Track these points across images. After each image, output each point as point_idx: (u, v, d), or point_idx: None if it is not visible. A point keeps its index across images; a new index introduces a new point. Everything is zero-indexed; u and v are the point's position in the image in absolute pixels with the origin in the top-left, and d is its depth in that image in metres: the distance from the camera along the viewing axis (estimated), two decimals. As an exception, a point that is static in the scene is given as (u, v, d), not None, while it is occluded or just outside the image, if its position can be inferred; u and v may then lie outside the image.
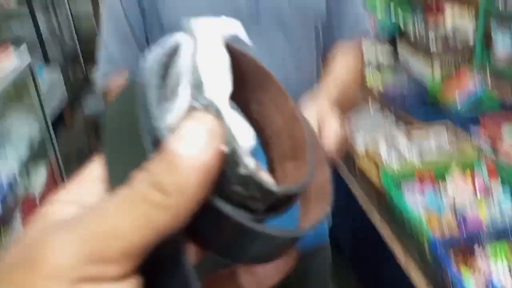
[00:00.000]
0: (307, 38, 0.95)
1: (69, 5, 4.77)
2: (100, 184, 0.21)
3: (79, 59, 4.90)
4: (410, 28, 2.36)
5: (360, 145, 1.76)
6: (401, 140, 1.67)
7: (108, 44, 0.92)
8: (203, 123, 0.19)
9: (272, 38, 0.89)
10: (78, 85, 4.54)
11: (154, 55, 0.22)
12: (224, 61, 0.22)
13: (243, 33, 0.24)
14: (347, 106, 0.93)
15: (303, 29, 0.93)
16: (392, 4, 2.77)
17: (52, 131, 1.80)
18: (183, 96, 0.21)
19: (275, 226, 0.22)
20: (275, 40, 0.90)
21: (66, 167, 3.38)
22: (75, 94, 4.32)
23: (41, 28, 3.91)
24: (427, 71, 2.23)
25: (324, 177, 0.30)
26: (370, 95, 2.25)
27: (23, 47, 1.62)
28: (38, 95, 1.70)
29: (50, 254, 0.17)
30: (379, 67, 2.50)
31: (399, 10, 2.67)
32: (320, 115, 0.59)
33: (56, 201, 0.21)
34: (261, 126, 0.30)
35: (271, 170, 0.30)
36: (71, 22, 4.81)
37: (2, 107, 1.65)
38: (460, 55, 2.19)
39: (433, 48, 2.14)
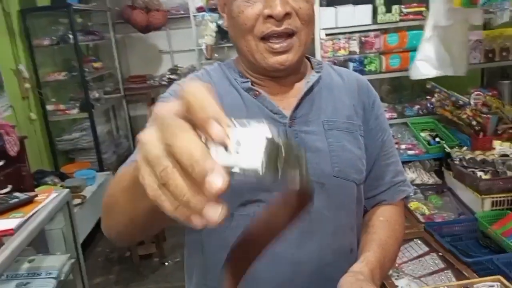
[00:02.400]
0: (347, 200, 0.94)
1: (128, 109, 5.13)
2: None
3: (132, 159, 5.16)
4: (457, 155, 2.26)
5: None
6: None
7: None
8: None
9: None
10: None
11: None
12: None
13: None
14: (386, 270, 0.96)
15: (344, 193, 0.93)
16: (438, 131, 2.73)
17: (83, 267, 1.81)
18: None
19: None
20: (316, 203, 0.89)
21: (106, 270, 3.42)
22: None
23: (100, 129, 4.20)
24: (476, 202, 2.10)
25: None
26: (415, 224, 2.12)
27: (67, 192, 1.69)
28: (74, 237, 1.74)
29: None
30: (424, 192, 2.39)
31: (446, 138, 2.61)
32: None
33: None
34: None
35: None
36: (128, 124, 5.14)
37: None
38: (510, 185, 2.06)
39: (481, 182, 2.03)
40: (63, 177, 3.63)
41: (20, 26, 3.79)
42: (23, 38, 3.81)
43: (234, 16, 0.84)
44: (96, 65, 4.58)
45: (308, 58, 1.02)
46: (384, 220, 1.00)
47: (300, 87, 0.94)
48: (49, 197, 1.61)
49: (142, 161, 0.37)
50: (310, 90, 0.93)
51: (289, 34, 0.82)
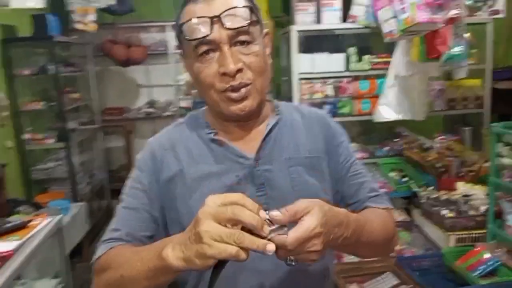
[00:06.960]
0: None
1: (103, 140, 5.15)
2: None
3: (105, 191, 5.12)
4: (423, 194, 2.44)
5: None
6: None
7: (121, 215, 0.96)
8: None
9: None
10: (101, 216, 4.69)
11: None
12: None
13: None
14: (365, 230, 0.87)
15: None
16: (405, 171, 2.91)
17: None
18: None
19: None
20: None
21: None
22: (97, 225, 4.44)
23: (75, 160, 4.19)
24: (442, 238, 2.26)
25: None
26: (386, 258, 2.25)
27: (60, 217, 1.74)
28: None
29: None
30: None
31: (413, 178, 2.79)
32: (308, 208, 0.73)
33: None
34: None
35: None
36: (103, 155, 5.13)
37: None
38: (473, 223, 2.24)
39: (446, 220, 2.20)
40: (36, 206, 3.59)
41: (2, 56, 3.82)
42: (4, 67, 3.83)
43: (196, 75, 0.95)
44: (73, 96, 4.60)
45: (270, 101, 1.10)
46: (373, 210, 1.01)
47: (261, 130, 1.03)
48: (43, 221, 1.66)
49: (211, 240, 0.63)
50: (270, 131, 1.02)
51: (244, 85, 0.92)
